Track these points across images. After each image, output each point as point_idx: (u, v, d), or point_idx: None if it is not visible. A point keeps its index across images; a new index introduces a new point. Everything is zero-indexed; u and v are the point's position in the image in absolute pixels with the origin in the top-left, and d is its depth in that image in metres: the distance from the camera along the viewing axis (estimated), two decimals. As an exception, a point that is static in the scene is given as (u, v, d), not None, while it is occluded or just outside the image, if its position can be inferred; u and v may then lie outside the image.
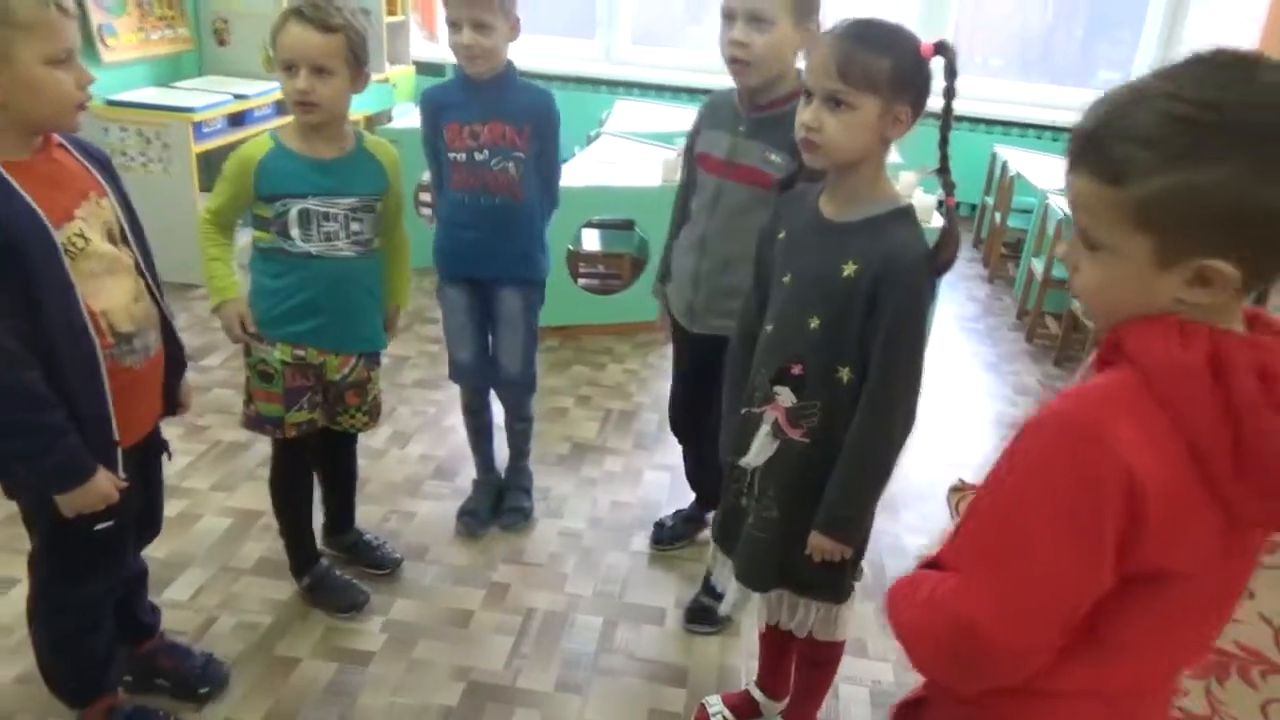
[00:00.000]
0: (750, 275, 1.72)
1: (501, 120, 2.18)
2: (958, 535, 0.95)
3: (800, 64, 1.80)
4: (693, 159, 2.08)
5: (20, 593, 2.14)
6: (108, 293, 1.51)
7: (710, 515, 2.48)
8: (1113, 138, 0.81)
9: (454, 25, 2.10)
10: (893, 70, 1.38)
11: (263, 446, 2.75)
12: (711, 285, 2.04)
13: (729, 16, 1.82)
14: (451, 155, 2.22)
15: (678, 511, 2.55)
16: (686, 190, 2.14)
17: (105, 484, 1.51)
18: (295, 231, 1.90)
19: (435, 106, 2.25)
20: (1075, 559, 0.81)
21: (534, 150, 2.23)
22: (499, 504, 2.62)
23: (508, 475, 2.67)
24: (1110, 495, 0.79)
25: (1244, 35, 4.87)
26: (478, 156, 2.20)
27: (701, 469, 2.43)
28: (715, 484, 2.40)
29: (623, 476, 2.88)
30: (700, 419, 2.29)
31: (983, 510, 0.90)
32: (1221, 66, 0.79)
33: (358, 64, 1.87)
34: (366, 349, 2.10)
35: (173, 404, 1.76)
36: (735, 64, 1.83)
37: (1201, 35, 5.03)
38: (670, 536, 2.50)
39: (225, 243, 1.96)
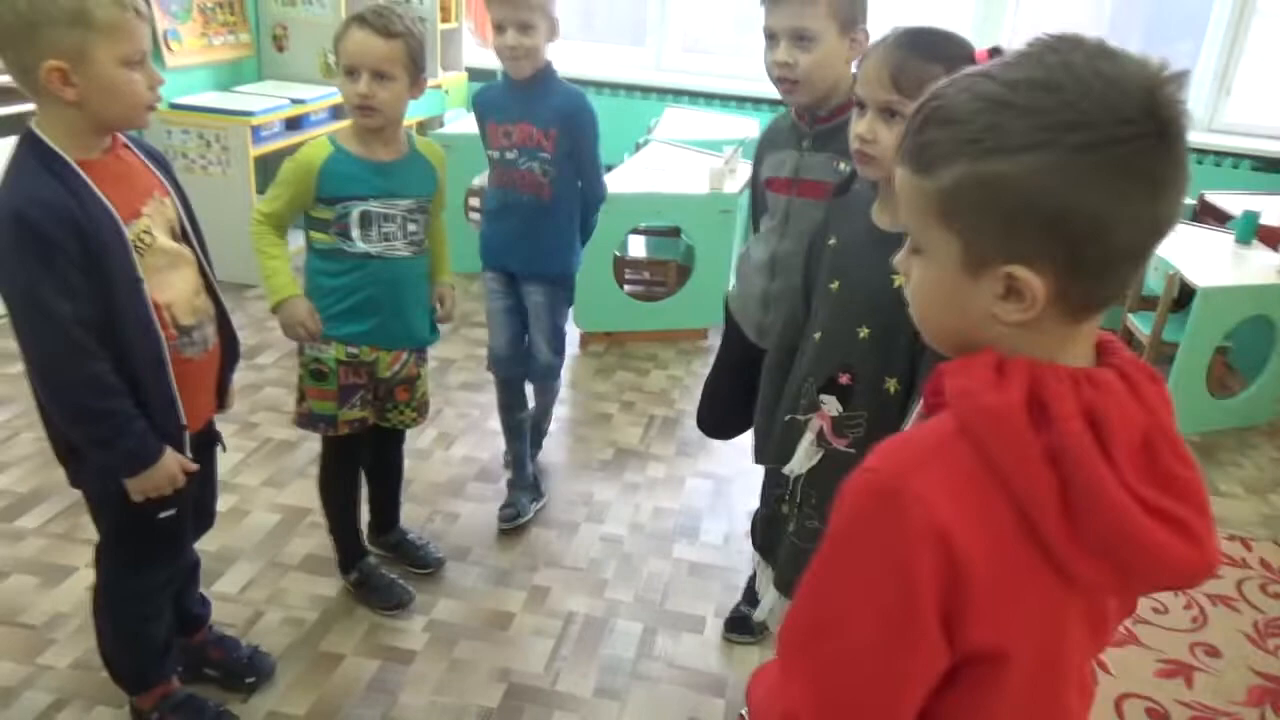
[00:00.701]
0: None
1: (529, 121, 2.26)
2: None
3: (854, 70, 1.74)
4: (760, 188, 1.99)
5: (76, 581, 2.21)
6: (171, 286, 1.56)
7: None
8: (925, 122, 0.72)
9: (498, 27, 2.17)
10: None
11: (312, 444, 2.80)
12: (784, 306, 1.96)
13: (771, 36, 1.76)
14: (490, 153, 2.33)
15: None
16: (756, 211, 2.07)
17: (173, 465, 1.55)
18: (355, 233, 1.94)
19: (481, 106, 2.38)
20: (892, 641, 0.70)
21: (563, 150, 2.27)
22: (540, 504, 2.66)
23: (531, 436, 2.72)
24: (922, 565, 0.68)
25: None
26: (509, 156, 2.30)
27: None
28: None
29: (665, 483, 2.88)
30: (732, 413, 2.15)
31: (802, 586, 0.77)
32: (1048, 48, 0.69)
33: (417, 70, 1.91)
34: (420, 344, 2.14)
35: (224, 398, 1.80)
36: (783, 84, 1.77)
37: (1265, 46, 4.90)
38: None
39: (281, 242, 2.00)
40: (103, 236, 1.42)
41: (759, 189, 1.99)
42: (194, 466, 1.60)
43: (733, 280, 2.21)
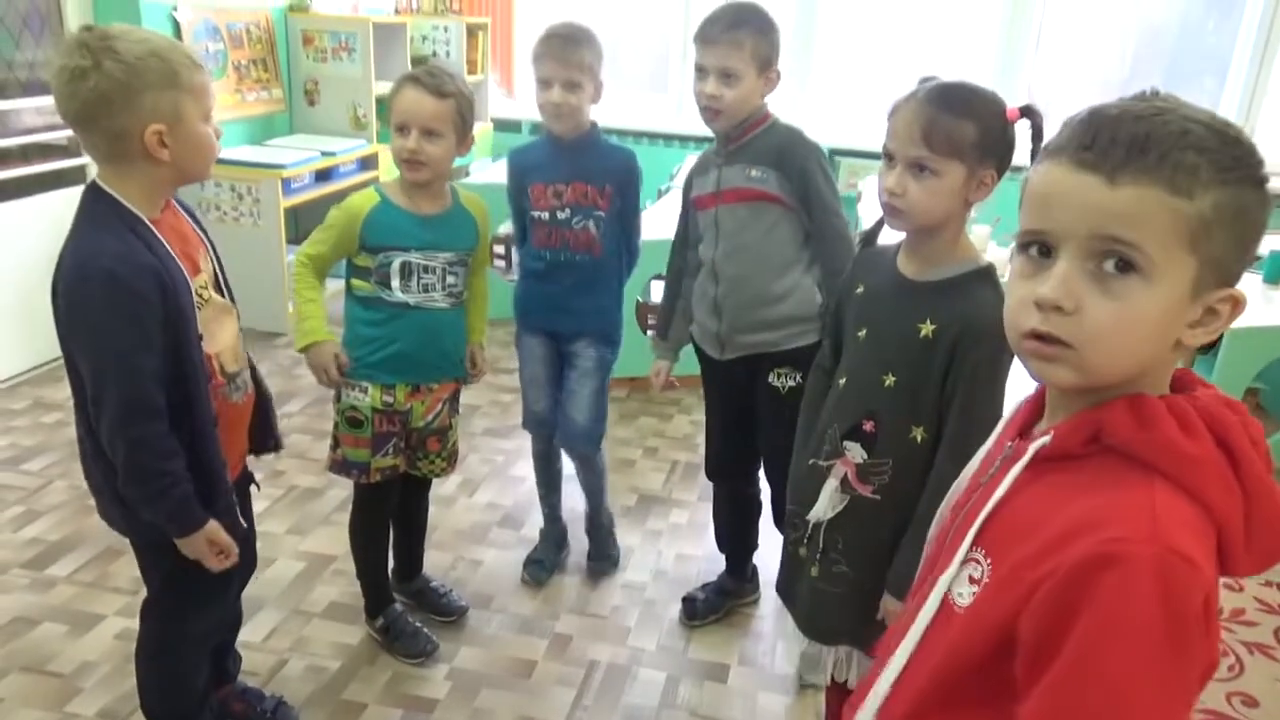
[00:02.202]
0: (766, 284, 2.03)
1: (584, 181, 2.26)
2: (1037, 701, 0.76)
3: (766, 100, 2.06)
4: (690, 210, 2.23)
5: (105, 629, 2.23)
6: (220, 336, 1.61)
7: (746, 582, 2.49)
8: (1175, 145, 0.72)
9: (544, 83, 2.19)
10: (978, 135, 1.37)
11: (337, 492, 2.83)
12: (733, 305, 2.12)
13: (702, 70, 2.01)
14: (535, 214, 2.29)
15: (706, 584, 2.50)
16: (682, 243, 2.29)
17: (217, 532, 1.56)
18: (395, 282, 1.98)
19: (521, 167, 2.34)
20: (1178, 706, 0.73)
21: (615, 208, 2.30)
22: (565, 554, 2.65)
23: (589, 525, 2.67)
24: (1201, 623, 0.73)
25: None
26: (560, 215, 2.28)
27: (739, 518, 2.41)
28: (745, 542, 2.41)
29: (688, 529, 2.87)
30: (743, 459, 2.32)
31: (1062, 679, 0.73)
32: (1169, 98, 0.78)
33: (465, 129, 1.97)
34: (452, 377, 2.16)
35: (263, 440, 1.82)
36: (709, 111, 2.03)
37: (1290, 84, 4.89)
38: (704, 610, 2.43)
39: (318, 286, 2.04)
40: (179, 294, 1.46)
41: (691, 215, 2.23)
42: (234, 546, 1.60)
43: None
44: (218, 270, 1.67)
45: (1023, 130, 1.43)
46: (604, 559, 2.63)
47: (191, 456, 1.51)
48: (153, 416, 1.45)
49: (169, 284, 1.43)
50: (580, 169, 2.26)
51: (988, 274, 1.47)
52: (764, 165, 2.03)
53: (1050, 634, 0.73)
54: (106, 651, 2.16)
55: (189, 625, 1.72)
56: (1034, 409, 0.90)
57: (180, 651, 1.74)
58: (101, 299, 1.39)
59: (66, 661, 2.14)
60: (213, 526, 1.56)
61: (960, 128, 1.37)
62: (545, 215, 2.28)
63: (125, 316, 1.40)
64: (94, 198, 1.45)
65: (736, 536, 2.45)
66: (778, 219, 2.06)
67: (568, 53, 2.15)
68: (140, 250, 1.42)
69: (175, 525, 1.53)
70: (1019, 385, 0.86)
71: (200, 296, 1.54)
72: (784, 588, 1.74)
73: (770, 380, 2.13)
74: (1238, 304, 0.77)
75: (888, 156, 1.43)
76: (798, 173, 2.01)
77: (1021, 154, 1.42)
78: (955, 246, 1.48)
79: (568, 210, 2.27)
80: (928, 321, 1.44)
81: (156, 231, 1.46)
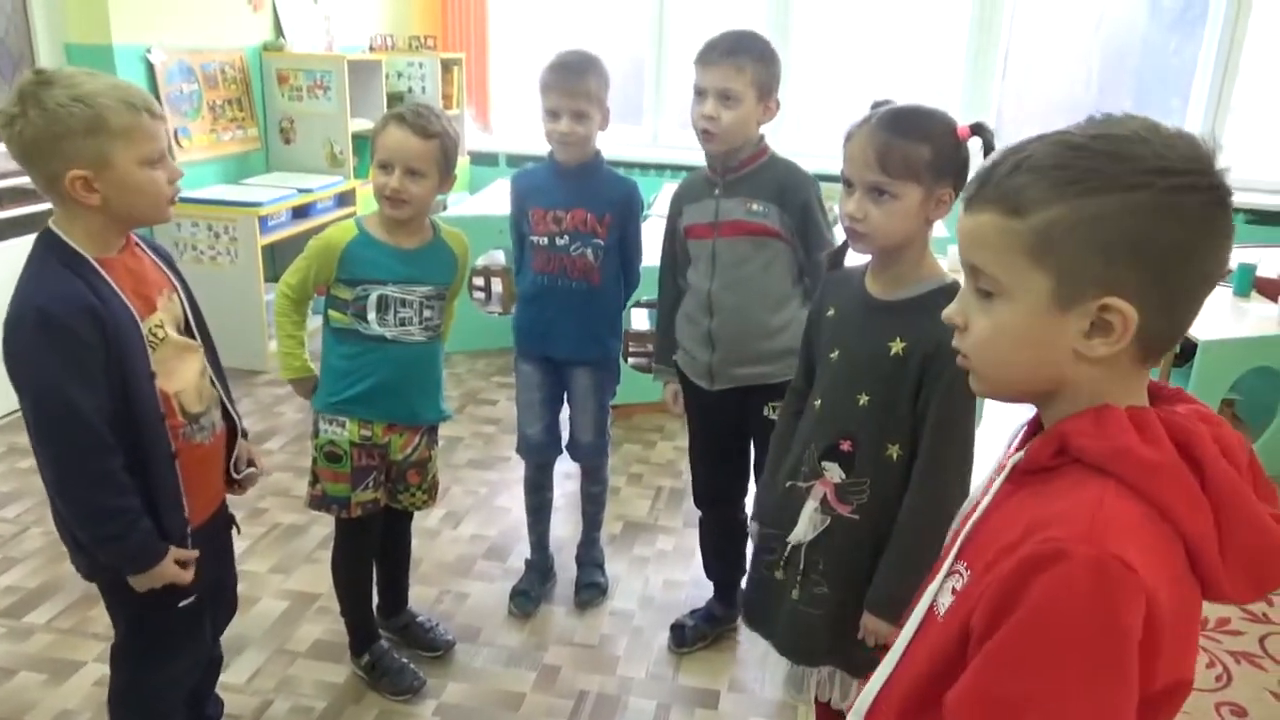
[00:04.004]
0: (761, 317, 2.03)
1: (585, 208, 2.26)
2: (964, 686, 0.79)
3: (762, 130, 2.07)
4: (679, 236, 2.21)
5: (83, 677, 2.19)
6: (180, 376, 1.59)
7: (734, 608, 2.46)
8: (1010, 169, 0.79)
9: (552, 114, 2.19)
10: (932, 156, 1.40)
11: (319, 529, 2.80)
12: (727, 337, 2.13)
13: (701, 93, 2.01)
14: (534, 239, 2.29)
15: (695, 611, 2.49)
16: (673, 268, 2.27)
17: (173, 566, 1.55)
18: (372, 316, 1.98)
19: (522, 191, 2.35)
20: (1107, 711, 0.73)
21: (614, 237, 2.30)
22: (551, 584, 2.64)
23: (581, 550, 2.67)
24: (1136, 634, 0.72)
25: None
26: (559, 241, 2.27)
27: (728, 543, 2.40)
28: (734, 568, 2.41)
29: (674, 555, 2.86)
30: (732, 487, 2.33)
31: (987, 664, 0.76)
32: (1114, 118, 0.79)
33: (448, 168, 1.98)
34: (429, 422, 2.16)
35: (241, 479, 1.80)
36: (705, 134, 2.02)
37: (1249, 101, 5.00)
38: (693, 637, 2.42)
39: (300, 320, 2.05)
40: (122, 332, 1.45)
41: (679, 240, 2.20)
42: (193, 554, 1.59)
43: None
44: (185, 310, 1.66)
45: (975, 147, 1.45)
46: (592, 588, 2.61)
47: (144, 498, 1.50)
48: (102, 454, 1.43)
49: (110, 323, 1.42)
50: (582, 196, 2.26)
51: (953, 291, 1.48)
52: (764, 200, 2.04)
53: (990, 628, 0.76)
54: (86, 699, 2.12)
55: (161, 669, 1.68)
56: (1034, 427, 0.92)
57: (153, 697, 1.70)
58: (34, 339, 1.39)
59: (45, 711, 2.10)
60: (171, 556, 1.54)
61: (914, 150, 1.40)
62: (544, 240, 2.28)
63: (59, 354, 1.39)
64: (42, 240, 1.46)
65: (725, 562, 2.45)
66: (777, 253, 2.07)
67: (574, 83, 2.16)
68: (80, 290, 1.42)
69: (139, 561, 1.51)
70: (1021, 408, 0.87)
71: (154, 335, 1.52)
72: (757, 613, 1.71)
73: (765, 414, 2.11)
74: (1120, 313, 0.76)
75: (846, 182, 1.47)
76: (799, 208, 2.03)
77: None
78: (921, 265, 1.50)
79: (566, 236, 2.27)
80: (898, 340, 1.46)
81: (103, 271, 1.46)
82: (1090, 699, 0.72)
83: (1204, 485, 0.75)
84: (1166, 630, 0.73)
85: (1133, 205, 0.74)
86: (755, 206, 2.04)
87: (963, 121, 1.45)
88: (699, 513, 2.45)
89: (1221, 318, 3.39)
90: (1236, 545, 0.75)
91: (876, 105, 1.46)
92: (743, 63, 1.97)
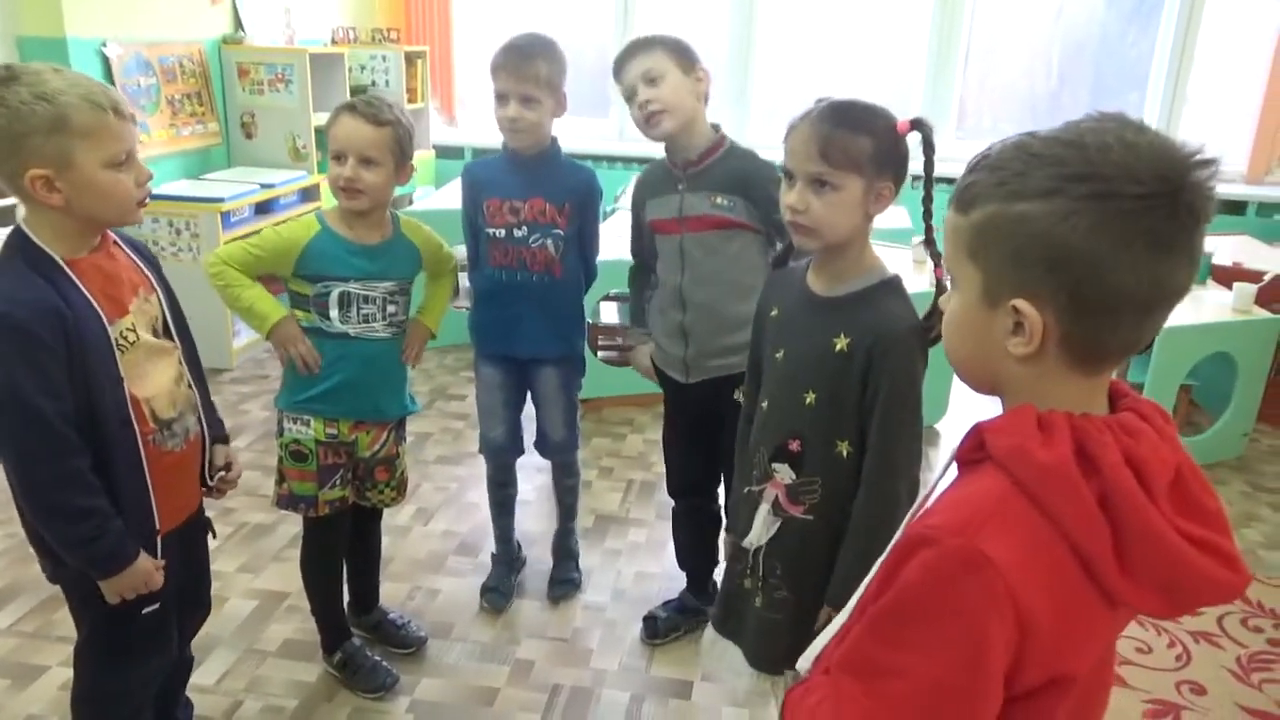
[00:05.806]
0: (734, 309, 2.01)
1: (543, 197, 2.21)
2: (838, 646, 0.87)
3: (709, 117, 2.11)
4: (644, 228, 2.22)
5: (49, 680, 2.16)
6: (152, 381, 1.56)
7: (707, 598, 2.48)
8: (972, 167, 0.82)
9: (501, 98, 2.14)
10: (873, 148, 1.41)
11: (288, 528, 2.78)
12: (701, 331, 2.14)
13: (631, 91, 2.07)
14: (490, 231, 2.23)
15: (667, 602, 2.50)
16: (643, 253, 2.29)
17: (147, 567, 1.53)
18: (334, 313, 1.96)
19: (476, 182, 2.28)
20: (958, 695, 0.75)
21: (574, 227, 2.26)
22: (518, 575, 2.64)
23: (556, 543, 2.67)
24: (995, 630, 0.73)
25: (1245, 97, 4.94)
26: (517, 233, 2.22)
27: (701, 534, 2.41)
28: (707, 559, 2.43)
29: (646, 547, 2.87)
30: (706, 477, 2.34)
31: (867, 622, 0.82)
32: (1090, 118, 0.78)
33: (403, 157, 1.95)
34: (395, 416, 2.14)
35: (213, 482, 1.77)
36: (652, 118, 2.04)
37: (1205, 96, 5.10)
38: (666, 628, 2.43)
39: (247, 277, 1.96)
40: (86, 335, 1.42)
41: (645, 232, 2.22)
42: (159, 564, 1.57)
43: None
44: (165, 315, 1.63)
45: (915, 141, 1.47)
46: (567, 584, 2.61)
47: (110, 501, 1.48)
48: (64, 456, 1.41)
49: (73, 325, 1.40)
50: (539, 186, 2.21)
51: (894, 284, 1.51)
52: (729, 193, 2.05)
53: (875, 596, 0.82)
54: (51, 703, 2.09)
55: (125, 673, 1.66)
56: None
57: (117, 700, 1.68)
58: None
59: (9, 716, 2.06)
60: (143, 560, 1.52)
61: (855, 142, 1.41)
62: (501, 233, 2.23)
63: (18, 356, 1.37)
64: (10, 240, 1.44)
65: (698, 553, 2.46)
66: (746, 243, 2.08)
67: (523, 67, 2.11)
68: (43, 291, 1.39)
69: (108, 564, 1.49)
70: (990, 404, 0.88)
71: (125, 339, 1.50)
72: (730, 624, 1.71)
73: (736, 398, 2.10)
74: (1027, 316, 0.77)
75: (788, 175, 1.47)
76: (764, 199, 2.00)
77: (915, 164, 1.49)
78: (861, 260, 1.51)
79: (525, 228, 2.22)
80: (841, 336, 1.47)
81: (70, 272, 1.43)
82: (934, 676, 0.75)
83: (1102, 495, 0.75)
84: (1042, 639, 0.74)
85: (1046, 210, 0.74)
86: (720, 200, 2.05)
87: (906, 116, 1.47)
88: (670, 505, 2.46)
89: (1179, 305, 3.45)
90: (1136, 558, 0.75)
91: (819, 101, 1.47)
92: (653, 45, 2.06)
